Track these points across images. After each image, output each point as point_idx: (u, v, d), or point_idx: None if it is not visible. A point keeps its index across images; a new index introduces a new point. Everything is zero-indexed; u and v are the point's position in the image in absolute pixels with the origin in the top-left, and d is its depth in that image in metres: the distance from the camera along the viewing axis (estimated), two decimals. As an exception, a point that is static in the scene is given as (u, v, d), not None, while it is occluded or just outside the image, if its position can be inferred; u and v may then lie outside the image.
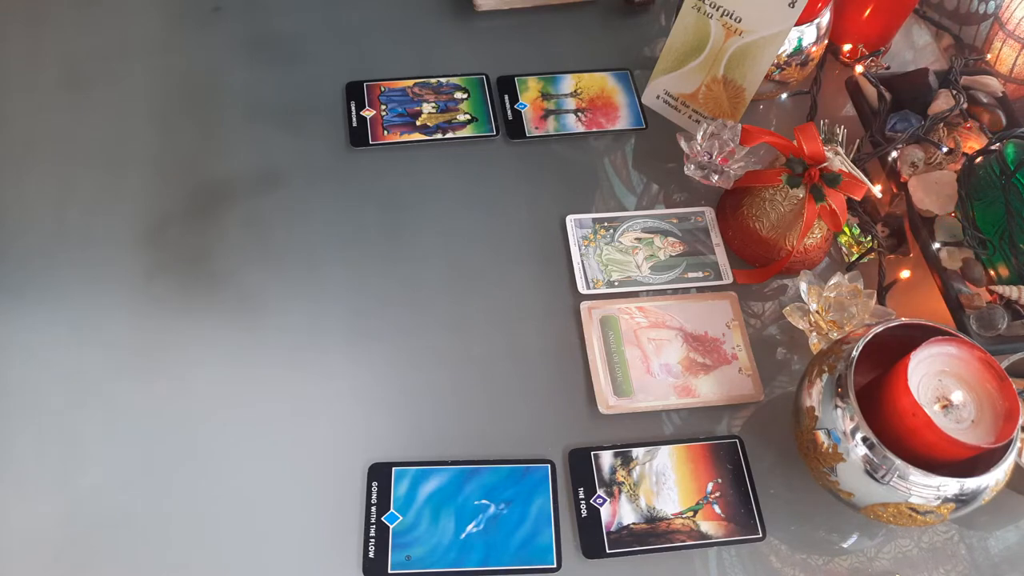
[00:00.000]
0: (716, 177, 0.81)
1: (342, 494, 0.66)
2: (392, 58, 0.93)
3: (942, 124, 0.85)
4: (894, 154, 0.84)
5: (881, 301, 0.78)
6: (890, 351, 0.63)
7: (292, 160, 0.84)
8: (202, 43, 0.93)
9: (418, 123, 0.88)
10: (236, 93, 0.89)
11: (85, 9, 0.94)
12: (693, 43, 0.84)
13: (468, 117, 0.89)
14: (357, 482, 0.67)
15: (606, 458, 0.69)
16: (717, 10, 0.81)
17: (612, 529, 0.66)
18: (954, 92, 0.85)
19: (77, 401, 0.69)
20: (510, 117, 0.89)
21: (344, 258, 0.79)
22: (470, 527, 0.65)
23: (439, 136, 0.87)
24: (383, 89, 0.90)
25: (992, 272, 0.78)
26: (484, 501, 0.67)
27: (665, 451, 0.70)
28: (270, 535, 0.65)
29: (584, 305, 0.77)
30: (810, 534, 0.69)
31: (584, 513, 0.67)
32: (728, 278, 0.80)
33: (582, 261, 0.80)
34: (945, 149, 0.83)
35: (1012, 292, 0.75)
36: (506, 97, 0.91)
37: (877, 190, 0.82)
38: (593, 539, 0.66)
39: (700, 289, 0.80)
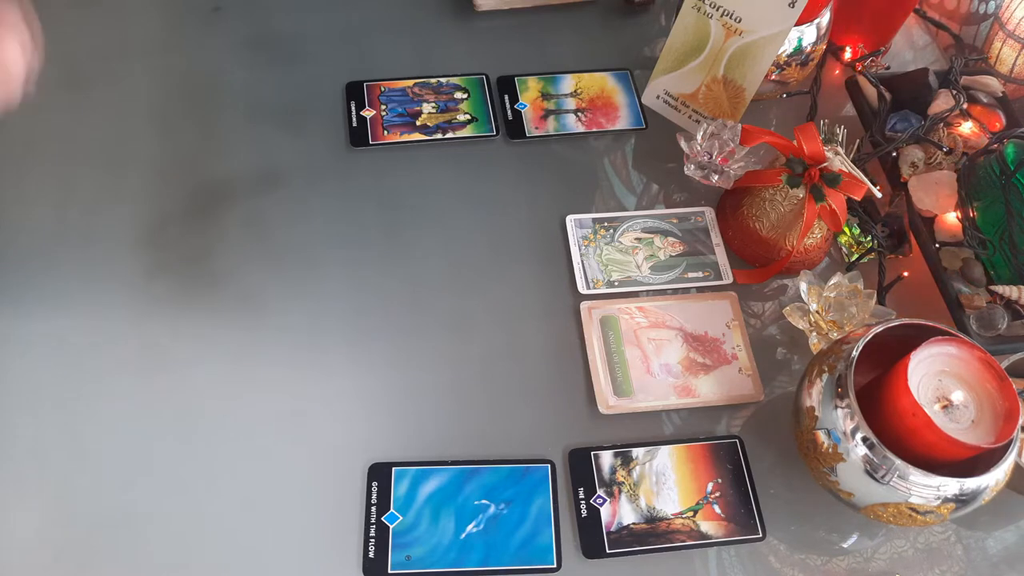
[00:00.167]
0: (716, 177, 0.81)
1: (342, 494, 0.66)
2: (392, 58, 0.93)
3: (942, 124, 0.85)
4: (894, 154, 0.84)
5: (881, 301, 0.78)
6: (890, 351, 0.63)
7: (292, 160, 0.84)
8: (202, 43, 0.93)
9: (418, 123, 0.88)
10: (236, 93, 0.89)
11: (85, 9, 0.94)
12: (693, 43, 0.84)
13: (468, 117, 0.89)
14: (357, 482, 0.67)
15: (606, 458, 0.69)
16: (717, 10, 0.81)
17: (612, 529, 0.66)
18: (954, 92, 0.86)
19: (77, 401, 0.69)
20: (510, 117, 0.89)
21: (344, 258, 0.79)
22: (470, 527, 0.65)
23: (439, 136, 0.87)
24: (383, 89, 0.90)
25: (992, 272, 0.78)
26: (484, 501, 0.67)
27: (665, 451, 0.70)
28: (270, 535, 0.65)
29: (584, 305, 0.77)
30: (810, 534, 0.69)
31: (584, 513, 0.67)
32: (728, 278, 0.80)
33: (582, 261, 0.80)
34: (945, 149, 0.83)
35: (1012, 292, 0.75)
36: (506, 97, 0.91)
37: (877, 190, 0.82)
38: (593, 539, 0.66)
39: (700, 289, 0.80)
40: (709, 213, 0.84)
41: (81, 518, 0.64)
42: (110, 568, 0.63)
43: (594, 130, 0.89)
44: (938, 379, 0.61)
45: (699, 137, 0.81)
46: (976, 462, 0.60)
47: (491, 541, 0.65)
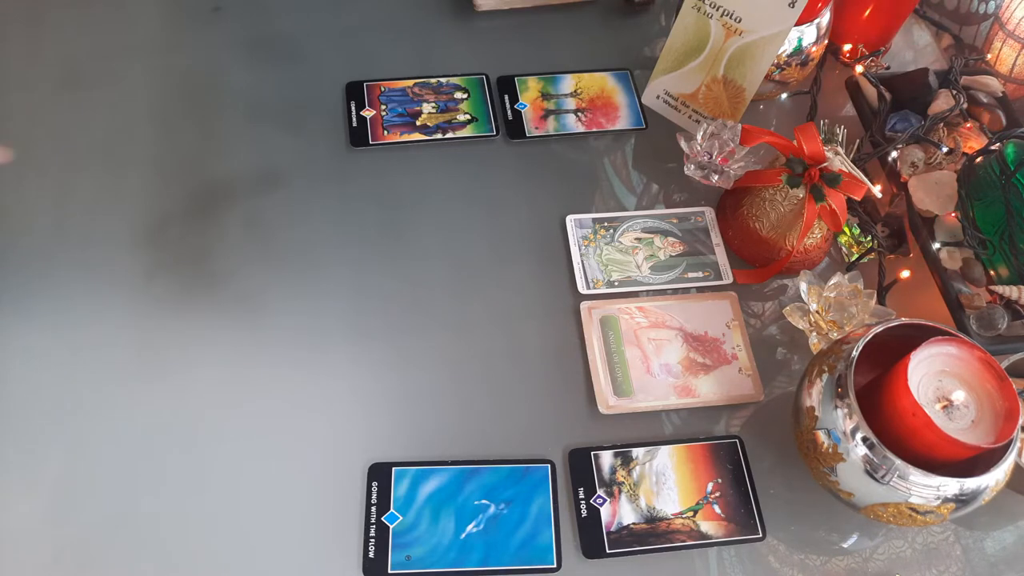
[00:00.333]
0: (716, 177, 0.81)
1: (342, 494, 0.66)
2: (392, 58, 0.93)
3: (942, 124, 0.85)
4: (894, 154, 0.84)
5: (881, 301, 0.78)
6: (890, 351, 0.63)
7: (292, 160, 0.85)
8: (202, 43, 0.93)
9: (418, 123, 0.88)
10: (236, 93, 0.89)
11: (85, 9, 0.94)
12: (693, 43, 0.84)
13: (468, 117, 0.89)
14: (357, 482, 0.67)
15: (606, 458, 0.69)
16: (717, 10, 0.81)
17: (612, 529, 0.66)
18: (954, 92, 0.85)
19: (77, 401, 0.69)
20: (510, 117, 0.89)
21: (344, 258, 0.79)
22: (470, 527, 0.65)
23: (439, 136, 0.87)
24: (383, 89, 0.90)
25: (992, 272, 0.78)
26: (484, 501, 0.67)
27: (665, 451, 0.70)
28: (270, 535, 0.65)
29: (584, 305, 0.77)
30: (810, 534, 0.69)
31: (584, 513, 0.67)
32: (728, 278, 0.80)
33: (582, 261, 0.80)
34: (945, 149, 0.83)
35: (1012, 292, 0.75)
36: (506, 97, 0.91)
37: (877, 190, 0.82)
38: (593, 539, 0.66)
39: (700, 289, 0.80)
40: (709, 213, 0.84)
41: (81, 518, 0.64)
42: (110, 568, 0.63)
43: (594, 130, 0.89)
44: (938, 379, 0.61)
45: (699, 137, 0.81)
46: (976, 462, 0.60)
47: (491, 541, 0.65)
